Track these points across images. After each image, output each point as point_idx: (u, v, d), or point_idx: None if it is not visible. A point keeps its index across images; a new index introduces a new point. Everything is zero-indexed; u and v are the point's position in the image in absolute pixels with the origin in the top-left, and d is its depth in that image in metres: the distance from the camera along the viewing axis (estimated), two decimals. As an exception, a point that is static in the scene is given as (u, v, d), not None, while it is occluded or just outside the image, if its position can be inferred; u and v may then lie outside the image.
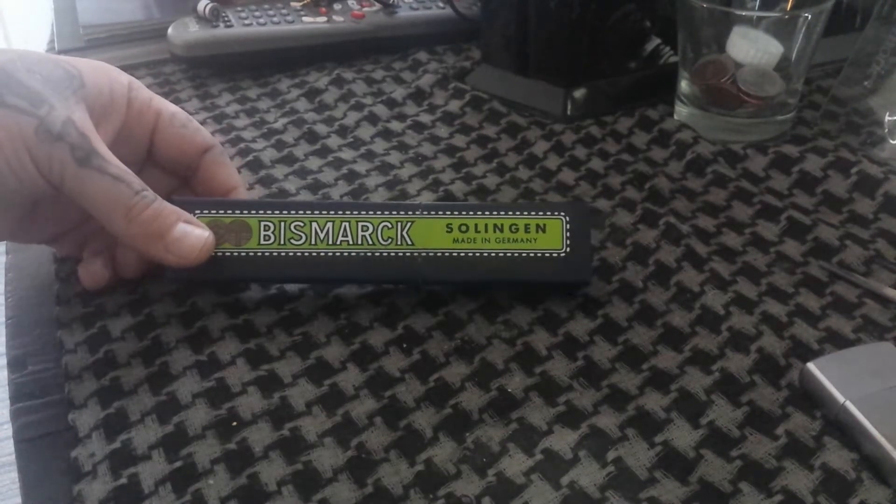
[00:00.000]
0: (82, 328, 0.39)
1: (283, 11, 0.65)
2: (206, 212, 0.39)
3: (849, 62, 0.52)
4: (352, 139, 0.55)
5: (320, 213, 0.39)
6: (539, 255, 0.39)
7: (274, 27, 0.63)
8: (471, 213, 0.39)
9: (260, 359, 0.37)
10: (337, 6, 0.67)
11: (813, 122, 0.54)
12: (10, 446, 0.42)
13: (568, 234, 0.39)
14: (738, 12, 0.51)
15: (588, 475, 0.31)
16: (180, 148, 0.42)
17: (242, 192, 0.44)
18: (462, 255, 0.39)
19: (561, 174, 0.50)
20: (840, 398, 0.32)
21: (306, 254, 0.39)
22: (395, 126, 0.56)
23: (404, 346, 0.38)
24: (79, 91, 0.38)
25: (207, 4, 0.63)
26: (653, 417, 0.34)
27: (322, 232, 0.39)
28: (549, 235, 0.39)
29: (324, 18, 0.65)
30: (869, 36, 0.51)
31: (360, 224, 0.39)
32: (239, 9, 0.65)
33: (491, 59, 0.60)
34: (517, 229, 0.39)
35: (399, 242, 0.39)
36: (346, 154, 0.53)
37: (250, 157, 0.52)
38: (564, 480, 0.31)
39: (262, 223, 0.39)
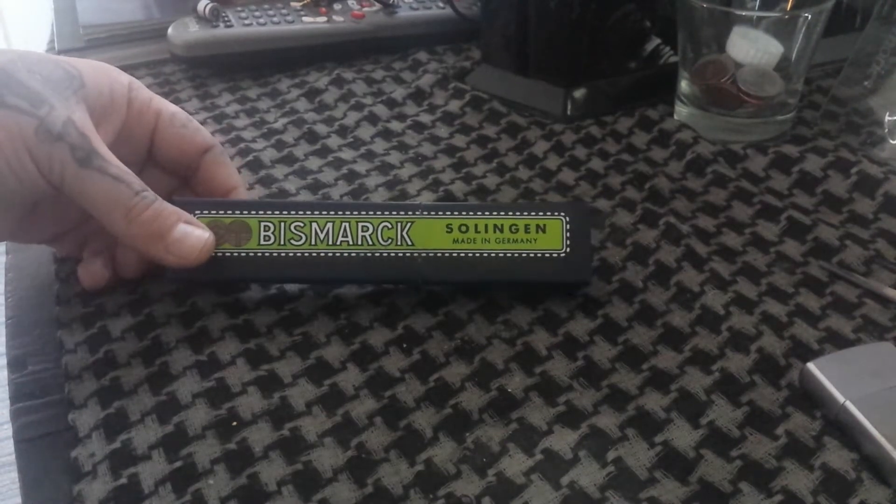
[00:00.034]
0: (82, 328, 0.39)
1: (283, 11, 0.65)
2: (207, 212, 0.39)
3: (849, 62, 0.52)
4: (352, 139, 0.55)
5: (320, 214, 0.39)
6: (539, 255, 0.39)
7: (274, 27, 0.63)
8: (471, 213, 0.39)
9: (260, 359, 0.37)
10: (337, 6, 0.67)
11: (813, 122, 0.54)
12: (10, 446, 0.42)
13: (568, 234, 0.39)
14: (738, 12, 0.51)
15: (588, 475, 0.31)
16: (180, 148, 0.42)
17: (242, 192, 0.44)
18: (462, 255, 0.39)
19: (561, 174, 0.50)
20: (840, 398, 0.32)
21: (306, 254, 0.39)
22: (395, 126, 0.56)
23: (404, 346, 0.38)
24: (79, 91, 0.38)
25: (207, 4, 0.63)
26: (653, 417, 0.34)
27: (322, 232, 0.39)
28: (549, 235, 0.39)
29: (324, 18, 0.65)
30: (869, 36, 0.51)
31: (360, 224, 0.39)
32: (239, 9, 0.65)
33: (491, 59, 0.60)
34: (517, 229, 0.39)
35: (399, 243, 0.39)
36: (346, 154, 0.53)
37: (250, 157, 0.52)
38: (564, 480, 0.31)
39: (262, 223, 0.39)
